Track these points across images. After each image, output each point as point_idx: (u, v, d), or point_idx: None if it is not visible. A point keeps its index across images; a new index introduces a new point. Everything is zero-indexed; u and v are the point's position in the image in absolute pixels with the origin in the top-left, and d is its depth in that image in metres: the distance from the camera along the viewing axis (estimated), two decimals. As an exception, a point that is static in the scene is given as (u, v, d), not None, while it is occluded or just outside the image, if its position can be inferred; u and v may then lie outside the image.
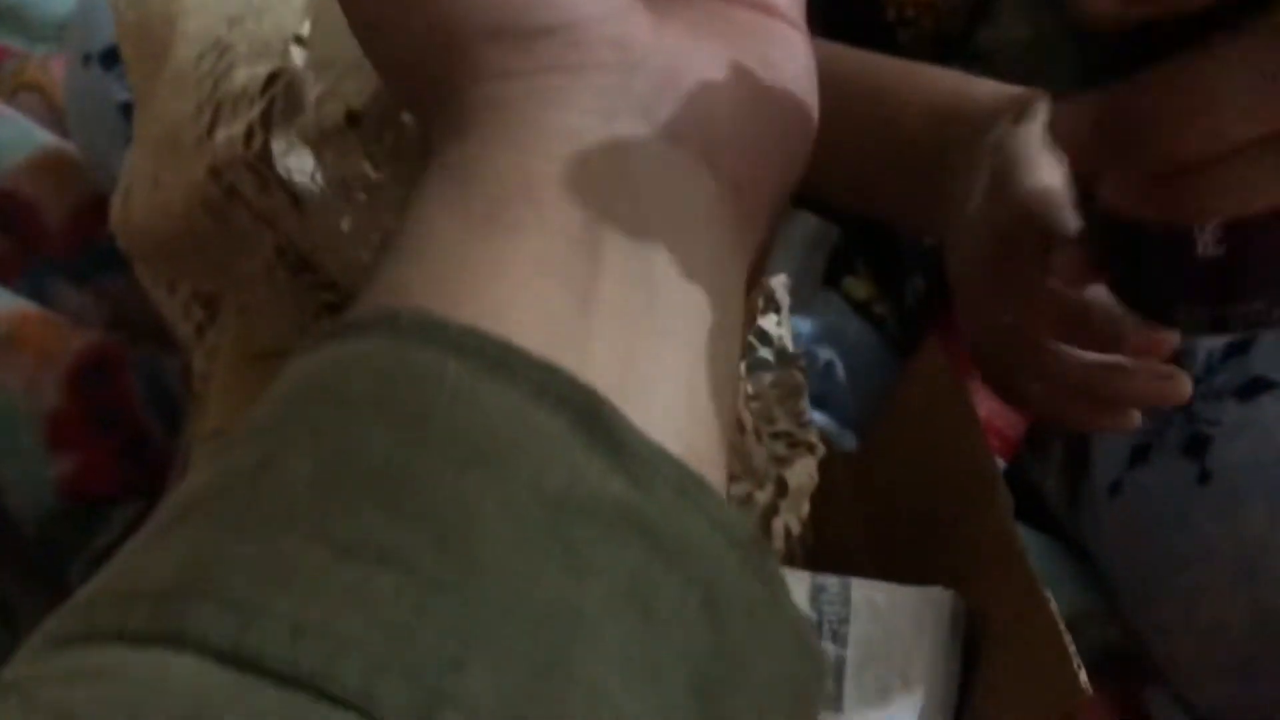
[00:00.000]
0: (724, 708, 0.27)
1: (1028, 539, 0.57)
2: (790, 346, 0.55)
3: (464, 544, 0.25)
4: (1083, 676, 0.48)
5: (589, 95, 0.33)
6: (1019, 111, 0.59)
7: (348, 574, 0.24)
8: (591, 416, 0.28)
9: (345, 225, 0.52)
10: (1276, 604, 0.60)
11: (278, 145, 0.52)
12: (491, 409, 0.27)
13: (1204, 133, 0.31)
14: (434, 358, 0.28)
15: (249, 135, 0.52)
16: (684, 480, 0.28)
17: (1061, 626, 0.50)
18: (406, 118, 0.51)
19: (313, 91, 0.51)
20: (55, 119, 0.92)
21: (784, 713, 0.29)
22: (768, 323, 0.55)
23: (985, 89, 0.66)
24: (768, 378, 0.55)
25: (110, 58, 0.79)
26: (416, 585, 0.25)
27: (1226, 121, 0.31)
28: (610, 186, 0.32)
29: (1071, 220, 0.50)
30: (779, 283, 0.57)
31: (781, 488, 0.53)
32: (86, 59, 0.81)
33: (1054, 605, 0.51)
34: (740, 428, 0.53)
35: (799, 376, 0.55)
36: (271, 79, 0.53)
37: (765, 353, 0.55)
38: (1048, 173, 0.55)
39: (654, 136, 0.33)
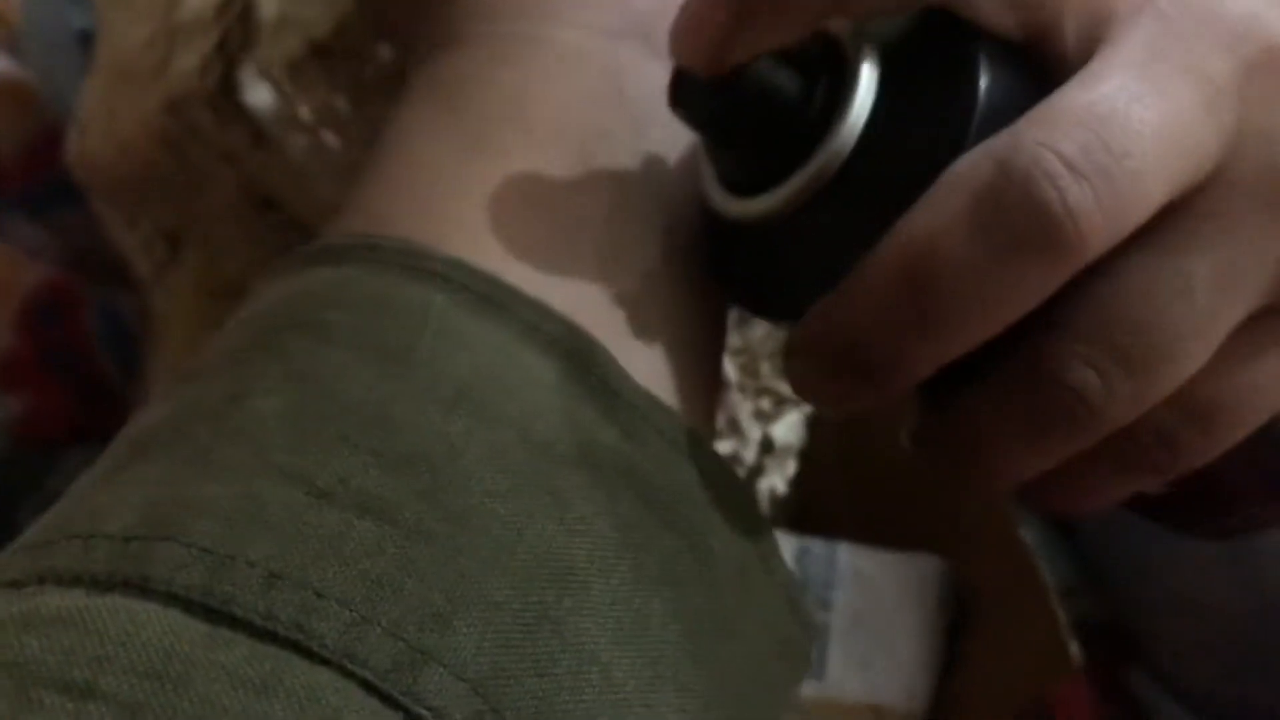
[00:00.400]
0: (714, 668, 0.26)
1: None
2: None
3: (449, 491, 0.24)
4: (1074, 648, 0.48)
5: (589, 11, 0.31)
6: None
7: (325, 520, 0.23)
8: (583, 360, 0.26)
9: (310, 163, 0.50)
10: (1265, 583, 0.59)
11: (244, 79, 0.50)
12: (478, 348, 0.26)
13: (990, 477, 0.29)
14: (418, 291, 0.26)
15: (204, 68, 0.50)
16: (676, 432, 0.27)
17: (1052, 597, 0.50)
18: (369, 49, 0.50)
19: (268, 17, 0.49)
20: (12, 47, 0.90)
21: (772, 674, 0.28)
22: (756, 275, 0.53)
23: None
24: (755, 332, 0.53)
25: (70, -17, 0.77)
26: (399, 535, 0.23)
27: (1006, 466, 0.29)
28: (609, 112, 0.30)
29: None
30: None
31: (767, 445, 0.52)
32: (45, -16, 0.78)
33: (1045, 576, 0.50)
34: (725, 382, 0.51)
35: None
36: (225, 4, 0.50)
37: (753, 306, 0.53)
38: None
39: (656, 62, 0.31)
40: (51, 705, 0.20)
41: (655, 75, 0.31)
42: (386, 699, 0.21)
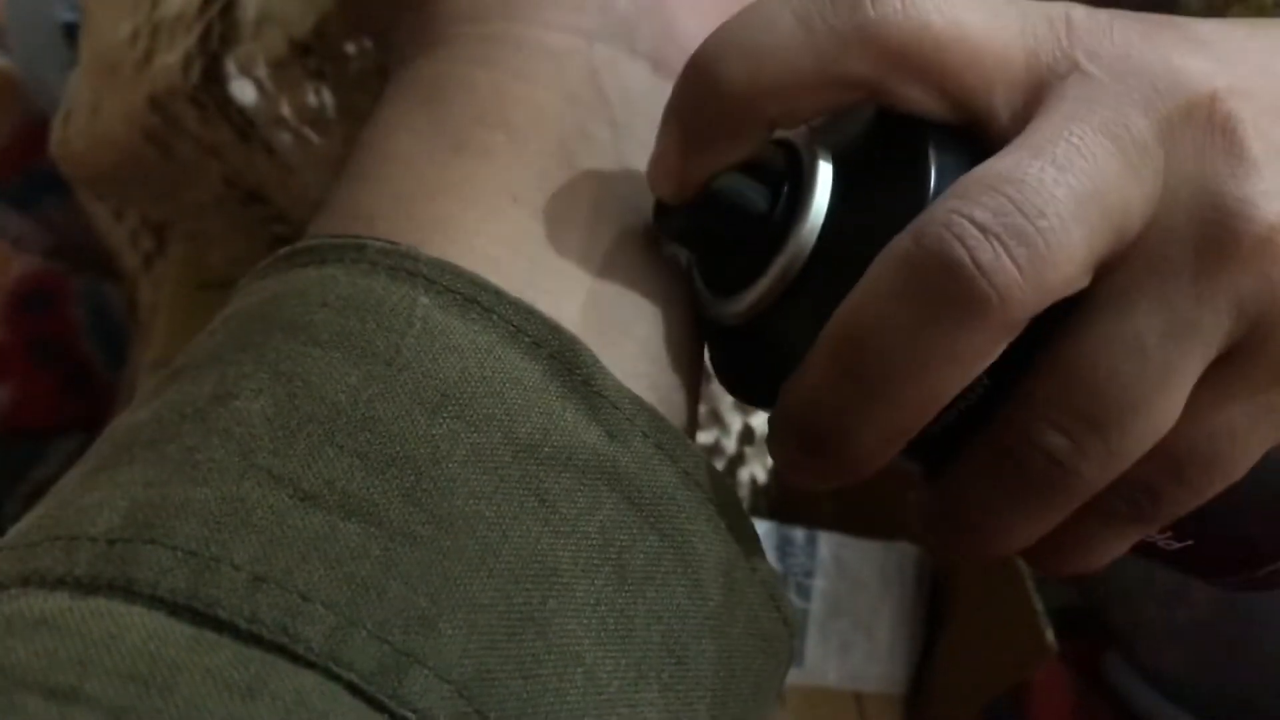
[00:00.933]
0: (697, 667, 0.26)
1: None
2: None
3: (434, 493, 0.24)
4: (1049, 635, 0.48)
5: (569, 13, 0.31)
6: None
7: (311, 523, 0.23)
8: (568, 362, 0.27)
9: (294, 157, 0.50)
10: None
11: (228, 74, 0.50)
12: (464, 349, 0.26)
13: (987, 546, 0.30)
14: (403, 292, 0.26)
15: (186, 64, 0.50)
16: (660, 432, 0.27)
17: (1028, 584, 0.50)
18: (351, 47, 0.50)
19: (249, 14, 0.49)
20: (-4, 38, 0.89)
21: (755, 671, 0.28)
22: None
23: None
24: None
25: (54, -26, 0.76)
26: (384, 536, 0.23)
27: (999, 534, 0.29)
28: (589, 113, 0.31)
29: None
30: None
31: (748, 434, 0.52)
32: (29, -25, 0.78)
33: (1021, 564, 0.51)
34: (707, 372, 0.51)
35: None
36: (207, 1, 0.50)
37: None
38: None
39: (636, 63, 0.31)
40: (35, 710, 0.20)
41: (636, 77, 0.31)
42: (372, 702, 0.22)
